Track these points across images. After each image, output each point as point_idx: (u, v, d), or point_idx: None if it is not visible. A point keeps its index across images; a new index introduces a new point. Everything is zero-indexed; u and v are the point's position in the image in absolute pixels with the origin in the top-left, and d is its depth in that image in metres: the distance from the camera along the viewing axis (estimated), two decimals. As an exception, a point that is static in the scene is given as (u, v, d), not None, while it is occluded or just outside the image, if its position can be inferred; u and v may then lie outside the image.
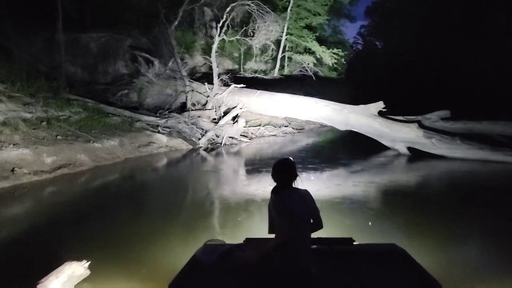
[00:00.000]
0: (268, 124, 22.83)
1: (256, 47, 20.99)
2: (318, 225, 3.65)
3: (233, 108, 18.18)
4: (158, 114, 17.75)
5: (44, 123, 12.55)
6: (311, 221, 3.59)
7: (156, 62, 19.50)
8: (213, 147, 17.59)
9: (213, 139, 17.94)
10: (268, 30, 20.78)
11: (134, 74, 20.16)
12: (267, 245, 3.43)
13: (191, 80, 18.86)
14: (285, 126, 23.43)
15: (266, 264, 3.38)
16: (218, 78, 18.76)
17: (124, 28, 21.44)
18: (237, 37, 20.35)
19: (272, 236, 3.54)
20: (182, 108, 18.60)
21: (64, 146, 11.93)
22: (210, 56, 19.18)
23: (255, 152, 18.12)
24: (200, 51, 20.95)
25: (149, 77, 19.37)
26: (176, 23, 19.15)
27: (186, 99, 18.48)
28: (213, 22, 21.40)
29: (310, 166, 13.34)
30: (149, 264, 5.61)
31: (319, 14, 27.96)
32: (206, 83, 18.29)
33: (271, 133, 21.97)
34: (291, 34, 27.95)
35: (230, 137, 18.07)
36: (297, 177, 3.56)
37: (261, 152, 18.21)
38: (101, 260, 5.47)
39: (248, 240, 4.06)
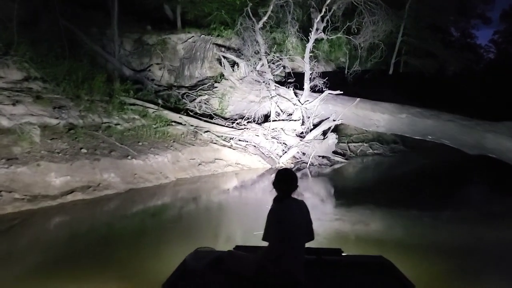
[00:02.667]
0: (373, 141, 18.05)
1: (361, 47, 16.42)
2: (310, 236, 3.52)
3: (325, 119, 13.87)
4: (235, 125, 14.14)
5: (73, 131, 9.54)
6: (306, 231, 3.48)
7: (242, 64, 15.96)
8: (298, 167, 13.51)
9: (299, 158, 13.83)
10: (377, 26, 16.12)
11: (218, 78, 16.85)
12: (261, 253, 3.39)
13: (277, 85, 14.96)
14: (395, 143, 18.41)
15: (259, 273, 3.28)
16: (311, 82, 14.62)
17: (215, 28, 18.34)
18: (339, 35, 15.96)
19: (264, 243, 3.39)
20: (266, 118, 14.77)
21: (86, 162, 8.80)
22: (303, 57, 15.12)
23: (351, 175, 13.67)
24: (293, 51, 17.04)
25: (232, 80, 15.89)
26: (265, 18, 15.40)
27: (270, 107, 14.62)
28: (311, 18, 17.35)
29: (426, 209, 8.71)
30: None
31: (445, 12, 22.31)
32: (292, 88, 14.22)
33: (375, 151, 17.18)
34: (408, 35, 22.67)
35: (320, 156, 13.80)
36: (297, 188, 3.46)
37: (359, 176, 13.67)
38: None
39: (238, 248, 3.89)
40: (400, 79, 22.02)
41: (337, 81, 15.33)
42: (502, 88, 30.49)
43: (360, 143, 17.36)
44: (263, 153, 13.17)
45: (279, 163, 13.14)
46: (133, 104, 12.44)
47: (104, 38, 17.08)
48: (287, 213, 3.31)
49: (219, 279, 3.37)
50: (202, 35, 18.35)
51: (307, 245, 3.52)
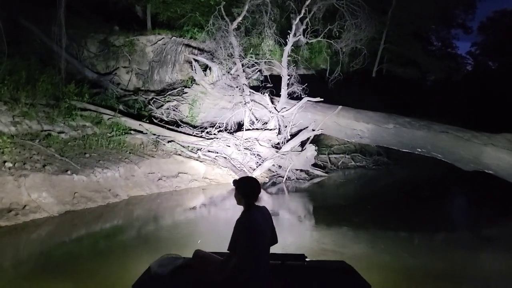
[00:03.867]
0: (356, 152, 16.50)
1: (342, 51, 14.92)
2: (274, 241, 3.49)
3: (304, 129, 12.24)
4: (204, 134, 12.41)
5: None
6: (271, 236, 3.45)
7: (215, 68, 14.28)
8: (273, 181, 11.85)
9: (275, 171, 12.16)
10: (359, 30, 14.66)
11: (188, 83, 15.13)
12: (228, 262, 3.25)
13: (252, 90, 13.30)
14: (378, 155, 16.89)
15: (227, 282, 3.20)
16: (289, 88, 13.00)
17: (188, 30, 16.66)
18: (319, 38, 14.41)
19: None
20: (240, 127, 13.08)
21: (8, 179, 6.94)
22: (281, 62, 13.51)
23: (332, 190, 12.05)
24: (271, 55, 15.42)
25: (203, 85, 14.19)
26: (240, 19, 13.77)
27: (244, 115, 12.93)
28: (289, 20, 15.77)
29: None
30: None
31: (427, 20, 21.04)
32: (268, 94, 12.55)
33: (358, 164, 15.62)
34: (391, 42, 21.33)
35: (298, 170, 12.15)
36: (259, 195, 3.41)
37: (340, 191, 12.05)
38: None
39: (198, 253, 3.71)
40: (383, 86, 20.58)
41: (317, 87, 13.73)
42: (480, 99, 29.48)
43: (341, 155, 15.80)
44: (235, 166, 11.47)
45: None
46: (85, 110, 10.61)
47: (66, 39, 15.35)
48: (255, 223, 3.24)
49: (184, 285, 3.34)
50: (174, 37, 16.62)
51: (272, 251, 3.48)
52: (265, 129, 12.35)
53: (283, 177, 11.71)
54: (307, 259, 3.83)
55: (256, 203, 3.40)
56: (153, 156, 10.28)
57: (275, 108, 12.56)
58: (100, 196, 8.13)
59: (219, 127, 12.82)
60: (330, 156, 15.37)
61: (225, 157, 11.62)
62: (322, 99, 12.30)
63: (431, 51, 28.02)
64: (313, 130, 11.80)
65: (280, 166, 11.99)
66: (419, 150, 9.94)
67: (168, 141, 11.22)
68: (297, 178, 11.93)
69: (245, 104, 12.87)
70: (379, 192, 12.14)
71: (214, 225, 8.21)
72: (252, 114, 13.07)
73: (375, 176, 14.70)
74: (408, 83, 22.12)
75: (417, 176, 15.87)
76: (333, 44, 15.10)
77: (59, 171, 7.80)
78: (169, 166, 10.34)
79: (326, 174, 12.91)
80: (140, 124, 11.30)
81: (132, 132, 10.96)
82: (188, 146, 11.58)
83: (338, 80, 15.00)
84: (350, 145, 16.93)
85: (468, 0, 26.32)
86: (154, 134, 11.24)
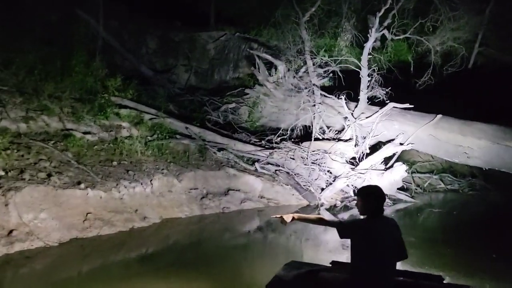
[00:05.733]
0: (444, 172, 13.31)
1: (436, 50, 11.98)
2: (403, 255, 3.19)
3: (388, 142, 9.49)
4: (264, 142, 10.07)
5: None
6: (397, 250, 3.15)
7: (281, 67, 11.93)
8: (346, 205, 9.25)
9: (349, 193, 9.54)
10: (458, 24, 11.71)
11: (250, 83, 12.90)
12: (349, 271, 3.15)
13: (324, 93, 10.75)
14: (473, 177, 13.58)
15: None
16: (369, 91, 10.32)
17: (253, 27, 14.51)
18: (408, 34, 11.56)
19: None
20: (307, 136, 10.58)
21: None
22: (360, 60, 10.84)
23: (425, 222, 9.14)
24: (347, 52, 12.77)
25: (267, 86, 11.88)
26: (314, 9, 11.31)
27: (312, 122, 10.40)
28: (371, 13, 13.02)
29: None
30: None
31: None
32: (344, 97, 9.90)
33: (449, 186, 12.49)
34: (487, 45, 17.75)
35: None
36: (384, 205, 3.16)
37: (434, 222, 9.13)
38: None
39: (334, 263, 3.60)
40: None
41: (403, 92, 10.93)
42: None
43: (427, 174, 12.73)
44: (299, 184, 9.02)
45: (320, 199, 8.92)
46: (124, 107, 8.65)
47: (125, 33, 13.89)
48: (375, 231, 3.03)
49: None
50: (237, 33, 14.54)
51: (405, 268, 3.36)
52: (338, 140, 9.75)
53: (359, 201, 9.07)
54: (444, 281, 3.41)
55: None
56: (198, 167, 8.07)
57: (352, 114, 9.93)
58: (121, 218, 6.04)
59: (283, 134, 10.42)
60: (414, 175, 12.37)
61: (288, 172, 9.20)
62: (412, 106, 9.54)
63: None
64: (401, 144, 9.02)
65: (356, 187, 9.32)
66: (560, 179, 6.90)
67: (219, 149, 8.99)
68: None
69: (314, 108, 10.37)
70: (488, 226, 9.01)
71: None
72: (323, 121, 10.54)
73: (475, 204, 11.46)
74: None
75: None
76: (423, 42, 12.15)
77: (70, 183, 5.80)
78: (218, 181, 8.09)
79: (412, 199, 10.03)
80: (187, 127, 9.17)
81: (177, 136, 8.84)
82: (244, 157, 9.30)
83: (428, 84, 12.07)
84: (435, 162, 13.80)
85: None
86: (204, 140, 9.06)
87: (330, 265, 3.59)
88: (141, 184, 6.65)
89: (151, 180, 6.88)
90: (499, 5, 17.24)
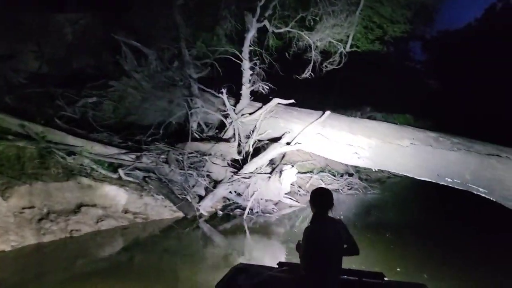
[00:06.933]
0: (323, 171, 12.88)
1: (315, 46, 11.38)
2: (354, 251, 3.23)
3: (275, 140, 8.39)
4: (131, 143, 8.21)
5: None
6: (345, 247, 3.20)
7: (152, 56, 10.14)
8: (228, 213, 7.92)
9: (231, 201, 8.21)
10: (337, 20, 11.21)
11: (116, 74, 10.82)
12: (296, 271, 3.23)
13: (202, 87, 9.28)
14: (348, 175, 13.40)
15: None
16: (251, 86, 9.14)
17: (120, 9, 12.35)
18: (288, 28, 10.70)
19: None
20: (182, 135, 8.99)
21: None
22: (241, 52, 9.60)
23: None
24: (228, 42, 11.46)
25: (136, 78, 9.99)
26: (188, -7, 9.76)
27: (189, 120, 8.85)
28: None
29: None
30: None
31: (398, 23, 18.06)
32: (225, 93, 8.53)
33: (330, 187, 12.00)
34: (357, 47, 18.12)
35: (266, 200, 8.24)
36: (332, 206, 3.17)
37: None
38: None
39: (281, 264, 3.60)
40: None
41: (286, 88, 10.02)
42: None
43: (308, 174, 12.10)
44: (174, 193, 7.40)
45: (198, 209, 7.42)
46: None
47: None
48: (317, 233, 3.08)
49: None
50: (100, 17, 12.32)
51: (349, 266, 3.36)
52: (219, 140, 8.36)
53: (244, 209, 7.77)
54: (385, 278, 3.45)
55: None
56: (37, 178, 5.95)
57: (233, 111, 8.61)
58: None
59: (154, 134, 8.68)
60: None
61: (160, 179, 7.51)
62: (295, 101, 8.62)
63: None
64: (288, 143, 7.96)
65: (239, 194, 8.02)
66: (449, 180, 6.40)
67: (69, 153, 6.90)
68: (262, 211, 8.03)
69: (191, 102, 8.84)
70: (373, 225, 8.47)
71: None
72: (201, 118, 9.07)
73: (356, 203, 11.07)
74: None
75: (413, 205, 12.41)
76: (304, 37, 11.43)
77: None
78: (66, 195, 6.07)
79: (298, 204, 9.11)
80: (22, 124, 6.86)
81: (9, 137, 6.53)
82: (104, 162, 7.34)
83: (310, 80, 11.39)
84: (314, 161, 13.34)
85: (428, 11, 23.91)
86: (49, 142, 6.88)
87: (277, 266, 3.58)
88: None
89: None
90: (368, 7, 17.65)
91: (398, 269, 5.52)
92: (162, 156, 7.94)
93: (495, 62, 19.22)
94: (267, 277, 3.33)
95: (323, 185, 12.03)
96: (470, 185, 6.24)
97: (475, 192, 6.19)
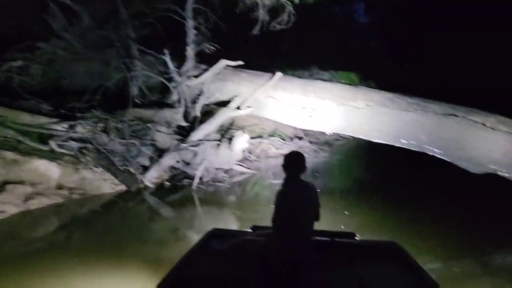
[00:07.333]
0: (273, 135, 12.59)
1: (263, 3, 10.74)
2: (316, 217, 3.22)
3: (223, 105, 7.85)
4: (63, 111, 7.35)
5: None
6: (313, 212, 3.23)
7: (84, 13, 9.08)
8: (176, 184, 7.40)
9: (178, 170, 7.66)
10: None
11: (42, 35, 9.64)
12: (269, 233, 3.20)
13: (143, 48, 8.45)
14: (298, 138, 13.22)
15: (268, 252, 3.05)
16: (196, 47, 8.43)
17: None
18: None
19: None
20: (122, 101, 8.20)
21: None
22: (184, 10, 8.78)
23: (264, 196, 7.89)
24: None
25: (67, 39, 8.95)
26: None
27: (128, 84, 8.05)
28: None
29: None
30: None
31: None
32: (168, 54, 7.78)
33: (280, 151, 11.76)
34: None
35: (216, 168, 7.76)
36: (305, 170, 3.17)
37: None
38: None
39: (255, 228, 3.62)
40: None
41: (234, 50, 9.41)
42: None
43: (258, 139, 11.75)
44: (114, 164, 6.74)
45: (142, 181, 6.85)
46: None
47: None
48: (288, 196, 3.11)
49: (235, 260, 3.07)
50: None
51: (322, 228, 3.42)
52: (163, 106, 7.68)
53: (193, 179, 7.27)
54: (356, 237, 3.60)
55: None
56: None
57: (178, 73, 7.91)
58: None
59: (90, 101, 7.82)
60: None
61: (98, 150, 6.80)
62: (243, 63, 8.08)
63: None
64: (239, 108, 7.45)
65: (187, 163, 7.48)
66: (405, 141, 6.25)
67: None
68: (213, 180, 7.57)
69: (131, 65, 8.03)
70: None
71: None
72: (142, 82, 8.29)
73: (310, 168, 10.86)
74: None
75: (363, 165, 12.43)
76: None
77: None
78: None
79: (250, 170, 8.73)
80: None
81: None
82: (33, 133, 6.50)
83: (258, 41, 10.81)
84: (263, 126, 12.99)
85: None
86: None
87: (251, 230, 3.59)
88: None
89: None
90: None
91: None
92: (100, 124, 7.19)
93: (439, 23, 19.45)
94: (241, 241, 3.30)
95: (274, 150, 11.84)
96: (426, 146, 6.14)
97: (430, 153, 6.11)
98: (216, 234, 3.53)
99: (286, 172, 3.17)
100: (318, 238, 3.37)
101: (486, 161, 5.78)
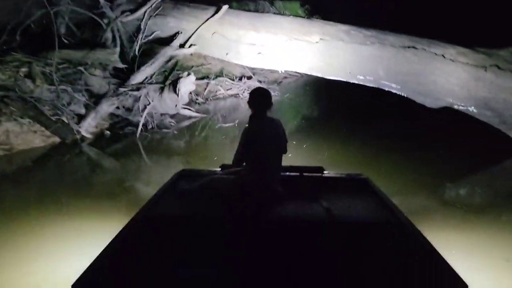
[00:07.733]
0: (220, 76, 11.91)
1: None
2: (284, 151, 3.25)
3: (165, 43, 7.08)
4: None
5: None
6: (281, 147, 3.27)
7: None
8: (120, 133, 6.78)
9: (119, 117, 6.97)
10: None
11: None
12: (241, 170, 3.18)
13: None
14: (247, 78, 12.63)
15: (240, 188, 3.07)
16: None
17: None
18: None
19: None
20: (46, 41, 7.17)
21: None
22: None
23: (215, 140, 7.49)
24: None
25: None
26: None
27: (53, 21, 7.01)
28: None
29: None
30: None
31: None
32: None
33: (229, 92, 11.20)
34: None
35: (162, 114, 7.12)
36: (271, 106, 3.14)
37: (222, 141, 7.53)
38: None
39: (224, 167, 3.58)
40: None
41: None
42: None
43: (204, 80, 11.05)
44: (44, 114, 5.94)
45: (78, 131, 6.14)
46: None
47: None
48: (260, 132, 3.10)
49: (206, 198, 3.06)
50: None
51: (291, 163, 3.50)
52: (94, 46, 6.77)
53: (136, 127, 6.64)
54: (325, 171, 3.57)
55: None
56: None
57: (110, 8, 6.95)
58: None
59: (8, 42, 6.75)
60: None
61: (24, 99, 5.94)
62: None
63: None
64: (182, 46, 6.73)
65: (129, 109, 6.79)
66: (362, 77, 5.92)
67: None
68: (158, 127, 6.97)
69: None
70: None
71: None
72: (67, 20, 7.24)
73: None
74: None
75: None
76: None
77: None
78: None
79: (198, 114, 8.17)
80: None
81: None
82: None
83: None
84: (210, 65, 12.26)
85: None
86: None
87: (220, 169, 3.56)
88: None
89: None
90: None
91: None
92: (23, 69, 6.25)
93: None
94: (209, 180, 3.27)
95: (222, 91, 11.26)
96: (383, 81, 5.86)
97: (387, 89, 5.86)
98: (185, 175, 3.53)
99: (252, 109, 3.15)
100: (287, 173, 3.38)
101: (444, 95, 5.63)
